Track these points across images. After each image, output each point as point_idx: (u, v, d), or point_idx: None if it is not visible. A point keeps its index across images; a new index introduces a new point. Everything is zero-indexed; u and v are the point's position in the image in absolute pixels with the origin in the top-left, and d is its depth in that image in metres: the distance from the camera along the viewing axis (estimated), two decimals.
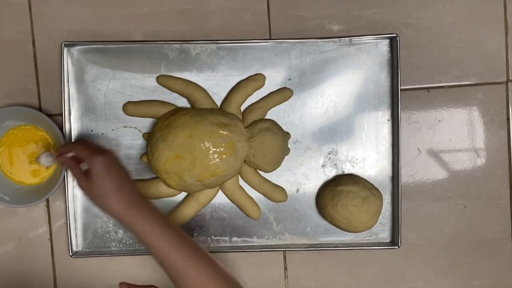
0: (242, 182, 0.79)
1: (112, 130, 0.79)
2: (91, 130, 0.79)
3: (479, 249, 0.82)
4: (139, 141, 0.79)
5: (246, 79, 0.79)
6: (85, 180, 0.61)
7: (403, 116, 0.80)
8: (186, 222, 0.79)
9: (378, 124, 0.80)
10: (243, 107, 0.79)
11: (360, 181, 0.78)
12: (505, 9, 0.81)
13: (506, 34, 0.81)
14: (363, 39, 0.79)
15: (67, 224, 0.78)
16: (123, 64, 0.79)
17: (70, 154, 0.67)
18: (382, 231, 0.81)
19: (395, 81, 0.79)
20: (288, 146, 0.79)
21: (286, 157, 0.79)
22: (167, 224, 0.57)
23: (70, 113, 0.78)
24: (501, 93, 0.82)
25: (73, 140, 0.77)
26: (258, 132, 0.76)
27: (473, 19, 0.81)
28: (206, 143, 0.73)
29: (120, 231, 0.80)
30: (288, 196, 0.80)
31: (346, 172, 0.81)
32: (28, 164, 0.78)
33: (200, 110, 0.76)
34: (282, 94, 0.79)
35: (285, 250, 0.81)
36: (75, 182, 0.78)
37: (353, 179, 0.78)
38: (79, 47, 0.78)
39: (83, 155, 0.62)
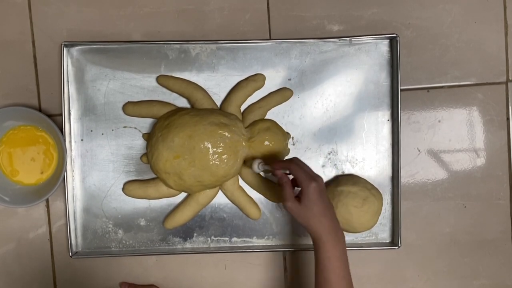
0: (242, 183, 0.79)
1: (112, 130, 0.79)
2: (91, 130, 0.79)
3: (479, 249, 0.82)
4: (139, 141, 0.79)
5: (246, 79, 0.79)
6: (294, 202, 0.66)
7: (403, 116, 0.80)
8: (186, 222, 0.79)
9: (378, 124, 0.80)
10: (243, 107, 0.79)
11: (360, 181, 0.78)
12: (505, 9, 0.81)
13: (506, 34, 0.81)
14: (363, 39, 0.79)
15: (67, 224, 0.78)
16: (123, 64, 0.79)
17: (285, 172, 0.69)
18: (382, 231, 0.81)
19: (395, 81, 0.78)
20: (288, 146, 0.79)
21: (286, 157, 0.79)
22: (345, 254, 0.67)
23: (70, 113, 0.78)
24: (501, 93, 0.82)
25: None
26: (258, 132, 0.75)
27: (473, 19, 0.81)
28: (206, 143, 0.73)
29: (120, 231, 0.80)
30: None
31: (346, 172, 0.81)
32: (28, 164, 0.78)
33: (200, 110, 0.76)
34: (282, 94, 0.79)
35: (285, 250, 0.81)
36: (75, 183, 0.79)
37: (353, 180, 0.78)
38: (79, 47, 0.78)
39: (300, 177, 0.66)
